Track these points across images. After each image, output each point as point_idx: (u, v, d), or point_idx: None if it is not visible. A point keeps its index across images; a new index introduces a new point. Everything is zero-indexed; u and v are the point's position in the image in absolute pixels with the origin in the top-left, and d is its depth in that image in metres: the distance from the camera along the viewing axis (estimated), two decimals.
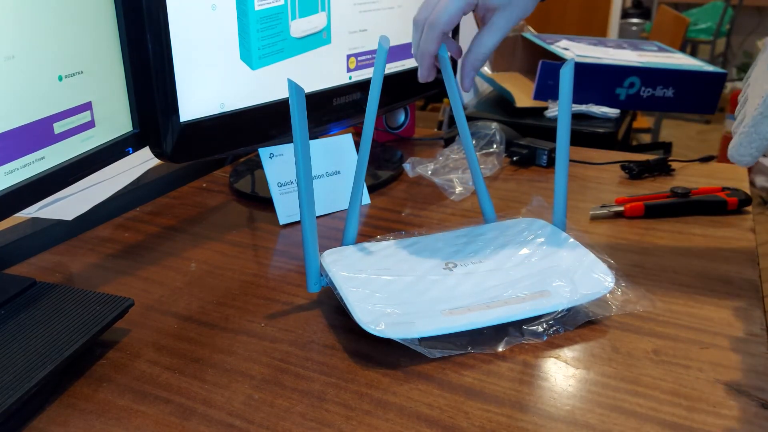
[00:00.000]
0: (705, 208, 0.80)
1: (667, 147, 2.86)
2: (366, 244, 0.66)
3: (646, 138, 3.18)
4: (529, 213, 0.74)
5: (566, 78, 0.63)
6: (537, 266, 0.62)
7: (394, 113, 1.07)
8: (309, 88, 0.81)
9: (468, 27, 1.36)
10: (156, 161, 0.93)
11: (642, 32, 4.11)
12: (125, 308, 0.56)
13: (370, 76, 0.89)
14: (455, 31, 1.02)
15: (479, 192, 0.71)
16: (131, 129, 0.66)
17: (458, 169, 0.90)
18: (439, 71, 0.66)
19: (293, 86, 0.55)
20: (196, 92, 0.69)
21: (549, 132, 1.14)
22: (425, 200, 0.85)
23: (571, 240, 0.65)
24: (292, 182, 0.79)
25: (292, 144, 0.80)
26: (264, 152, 0.78)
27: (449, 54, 0.65)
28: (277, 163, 0.79)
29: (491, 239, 0.67)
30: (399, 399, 0.49)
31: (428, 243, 0.67)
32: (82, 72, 0.58)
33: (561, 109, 0.64)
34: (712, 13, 4.09)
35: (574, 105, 1.20)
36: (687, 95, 1.26)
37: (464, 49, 0.66)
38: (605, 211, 0.80)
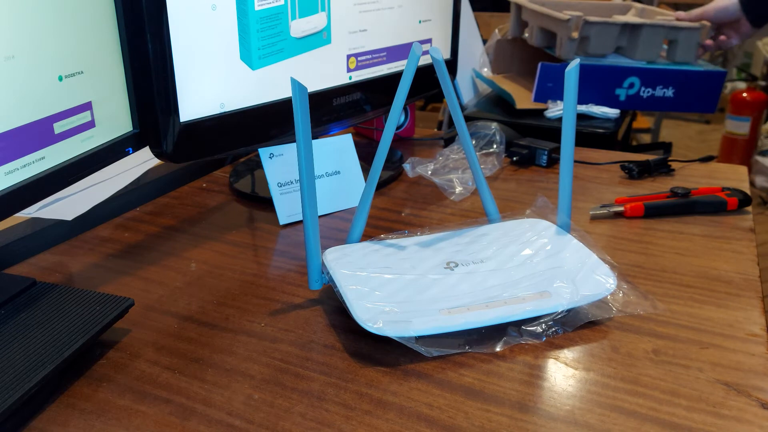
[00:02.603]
0: (705, 208, 0.80)
1: (667, 147, 2.86)
2: (368, 243, 0.66)
3: (646, 138, 3.18)
4: (533, 213, 0.74)
5: (571, 79, 0.62)
6: (539, 267, 0.62)
7: None
8: (309, 88, 0.81)
9: (468, 27, 1.36)
10: (156, 161, 0.93)
11: None
12: (125, 308, 0.56)
13: (370, 76, 0.89)
14: (455, 32, 1.02)
15: (482, 193, 0.71)
16: (131, 129, 0.66)
17: (458, 169, 0.90)
18: (435, 73, 0.66)
19: (296, 85, 0.55)
20: (196, 92, 0.69)
21: (549, 132, 1.14)
22: (425, 200, 0.85)
23: (575, 241, 0.65)
24: (292, 182, 0.79)
25: (292, 144, 0.80)
26: (264, 152, 0.78)
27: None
28: (277, 163, 0.79)
29: (494, 239, 0.67)
30: (399, 399, 0.49)
31: (430, 242, 0.67)
32: (82, 72, 0.58)
33: (566, 111, 0.64)
34: None
35: None
36: (687, 95, 1.26)
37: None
38: (605, 211, 0.80)
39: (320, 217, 0.80)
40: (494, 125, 0.98)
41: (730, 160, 3.10)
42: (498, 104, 1.29)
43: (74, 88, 0.58)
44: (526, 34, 1.41)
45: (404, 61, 0.94)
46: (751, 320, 0.58)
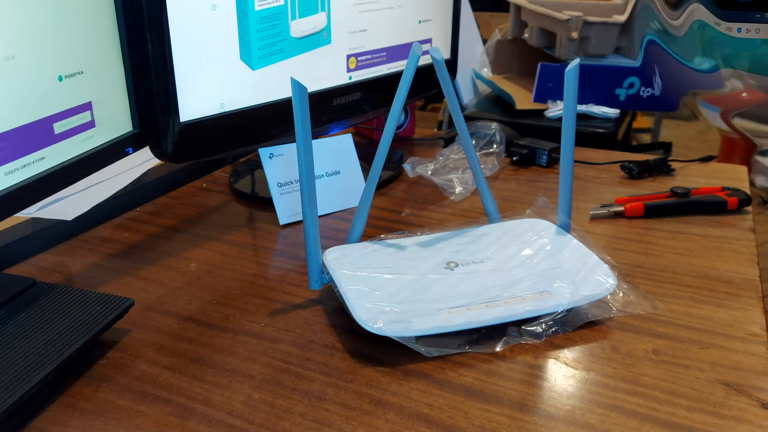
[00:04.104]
0: (705, 208, 0.80)
1: (667, 147, 2.86)
2: (368, 243, 0.66)
3: (646, 138, 3.18)
4: (533, 213, 0.74)
5: (571, 79, 0.62)
6: (539, 267, 0.62)
7: None
8: (309, 88, 0.81)
9: (468, 27, 1.36)
10: (156, 161, 0.93)
11: None
12: (125, 308, 0.56)
13: (370, 76, 0.89)
14: (455, 32, 1.02)
15: (482, 193, 0.71)
16: (131, 129, 0.66)
17: (458, 169, 0.90)
18: (435, 73, 0.66)
19: (296, 85, 0.55)
20: (196, 92, 0.69)
21: (549, 132, 1.15)
22: (425, 200, 0.85)
23: (575, 241, 0.65)
24: (292, 182, 0.79)
25: (292, 144, 0.80)
26: (264, 152, 0.78)
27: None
28: (277, 163, 0.79)
29: (494, 239, 0.67)
30: (399, 399, 0.49)
31: (430, 242, 0.67)
32: (82, 72, 0.58)
33: (566, 111, 0.64)
34: None
35: None
36: None
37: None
38: (605, 211, 0.80)
39: (320, 217, 0.80)
40: (494, 125, 0.98)
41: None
42: (498, 104, 1.29)
43: (74, 88, 0.58)
44: (526, 35, 1.41)
45: (404, 61, 0.94)
46: (751, 320, 0.58)
